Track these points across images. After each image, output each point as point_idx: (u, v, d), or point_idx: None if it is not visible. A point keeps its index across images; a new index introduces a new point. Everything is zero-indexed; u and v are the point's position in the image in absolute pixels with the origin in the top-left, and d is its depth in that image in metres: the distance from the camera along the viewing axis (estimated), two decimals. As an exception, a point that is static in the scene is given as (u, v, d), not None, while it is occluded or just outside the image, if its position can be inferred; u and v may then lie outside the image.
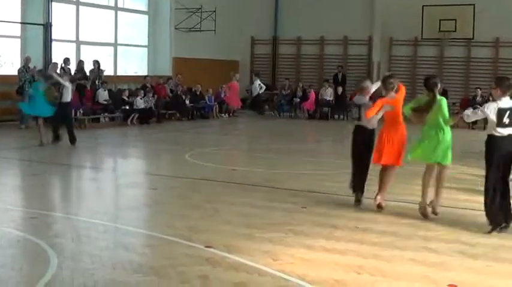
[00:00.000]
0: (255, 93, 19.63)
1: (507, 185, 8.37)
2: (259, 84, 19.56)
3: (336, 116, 26.88)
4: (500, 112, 8.08)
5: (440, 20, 26.35)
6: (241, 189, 10.96)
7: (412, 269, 6.63)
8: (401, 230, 8.21)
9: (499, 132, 8.15)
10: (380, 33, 28.50)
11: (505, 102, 8.16)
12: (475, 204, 9.35)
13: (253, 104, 19.75)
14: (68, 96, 16.20)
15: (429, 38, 27.07)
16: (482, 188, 8.42)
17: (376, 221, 8.67)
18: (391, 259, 6.96)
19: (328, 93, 26.85)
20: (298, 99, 27.33)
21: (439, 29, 26.57)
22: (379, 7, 28.35)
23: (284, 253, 7.05)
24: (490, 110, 8.14)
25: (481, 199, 8.44)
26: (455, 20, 26.13)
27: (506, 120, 8.09)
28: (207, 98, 25.96)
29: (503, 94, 8.22)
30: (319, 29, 29.39)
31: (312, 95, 26.82)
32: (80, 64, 22.59)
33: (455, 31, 26.35)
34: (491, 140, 8.22)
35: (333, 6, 29.01)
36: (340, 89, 26.93)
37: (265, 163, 14.42)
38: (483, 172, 8.45)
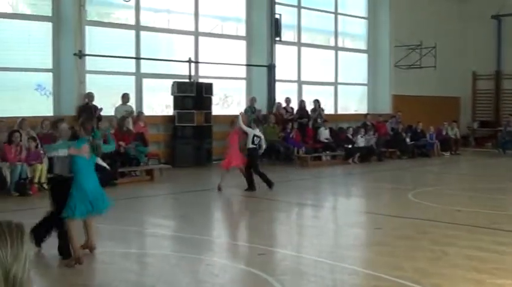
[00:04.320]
0: (248, 146, 15.33)
1: None
2: (256, 136, 15.18)
3: None
4: None
5: None
6: (468, 231, 10.53)
7: None
8: None
9: None
10: None
11: None
12: None
13: (249, 161, 15.25)
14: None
15: None
16: None
17: None
18: None
19: (560, 130, 25.18)
20: (526, 137, 25.90)
21: None
22: None
23: (520, 302, 6.67)
24: None
25: None
26: None
27: None
28: (428, 135, 25.49)
29: None
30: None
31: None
32: (302, 104, 23.30)
33: None
34: None
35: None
36: None
37: (490, 203, 13.79)
38: None
